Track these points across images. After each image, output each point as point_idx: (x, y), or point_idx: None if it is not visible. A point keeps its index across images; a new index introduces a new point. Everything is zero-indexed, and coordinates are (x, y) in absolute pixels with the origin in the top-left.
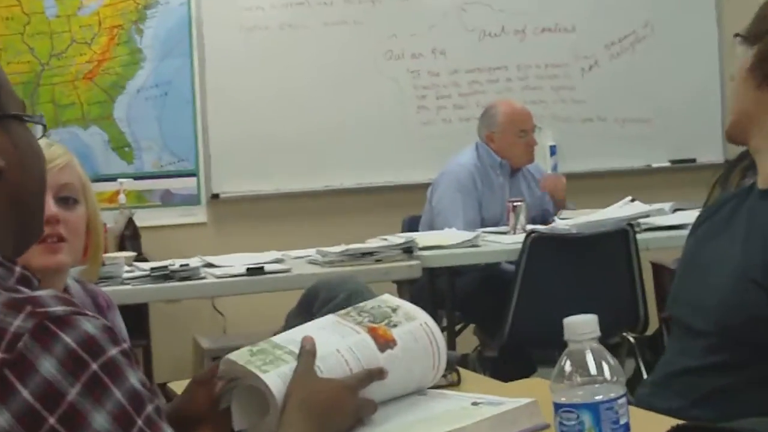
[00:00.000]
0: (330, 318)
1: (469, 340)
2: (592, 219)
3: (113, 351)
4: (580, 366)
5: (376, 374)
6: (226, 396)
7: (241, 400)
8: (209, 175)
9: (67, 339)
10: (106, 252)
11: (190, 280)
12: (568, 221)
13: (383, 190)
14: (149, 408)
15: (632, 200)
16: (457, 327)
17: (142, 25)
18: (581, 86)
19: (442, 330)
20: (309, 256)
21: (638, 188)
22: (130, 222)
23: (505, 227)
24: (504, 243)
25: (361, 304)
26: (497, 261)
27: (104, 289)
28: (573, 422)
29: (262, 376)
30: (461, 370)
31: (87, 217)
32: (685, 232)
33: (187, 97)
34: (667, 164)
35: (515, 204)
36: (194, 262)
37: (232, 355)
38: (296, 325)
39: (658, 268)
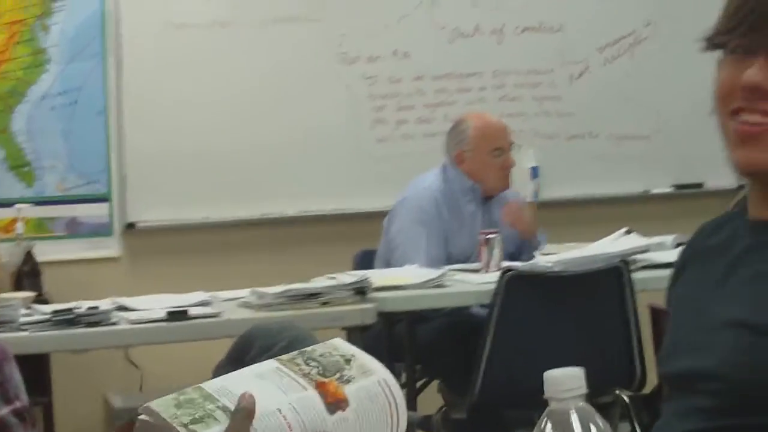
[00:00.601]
0: (270, 364)
1: (432, 399)
2: (579, 255)
3: (3, 411)
4: (564, 429)
5: None
6: None
7: None
8: (124, 200)
9: None
10: None
11: (100, 325)
12: (551, 257)
13: (331, 219)
14: None
15: (628, 232)
16: (419, 383)
17: (48, 21)
18: (569, 96)
19: (402, 387)
20: (242, 298)
21: (635, 218)
22: (29, 256)
23: (477, 264)
24: (475, 283)
25: (308, 349)
26: (467, 304)
27: None
28: None
29: None
30: None
31: None
32: None
33: (99, 107)
34: (670, 190)
35: (488, 237)
36: (105, 304)
37: (155, 404)
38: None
39: (657, 313)
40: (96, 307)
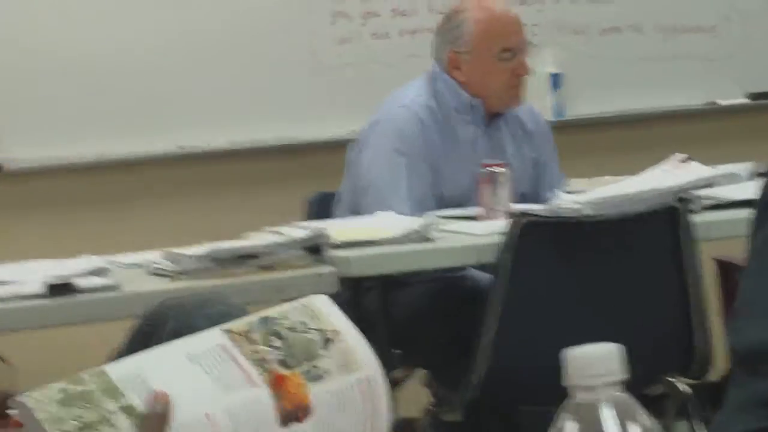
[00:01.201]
0: (212, 338)
1: (415, 395)
2: (618, 192)
3: None
4: (590, 429)
5: None
6: None
7: None
8: None
9: None
10: None
11: None
12: (579, 197)
13: (274, 152)
14: None
15: (686, 160)
16: (396, 374)
17: None
18: None
19: None
20: (150, 263)
21: (695, 141)
22: None
23: (476, 209)
24: (474, 234)
25: (274, 315)
26: (462, 265)
27: None
28: None
29: None
30: None
31: None
32: None
33: None
34: (743, 101)
35: (493, 170)
36: None
37: (30, 398)
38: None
39: (727, 269)
40: None
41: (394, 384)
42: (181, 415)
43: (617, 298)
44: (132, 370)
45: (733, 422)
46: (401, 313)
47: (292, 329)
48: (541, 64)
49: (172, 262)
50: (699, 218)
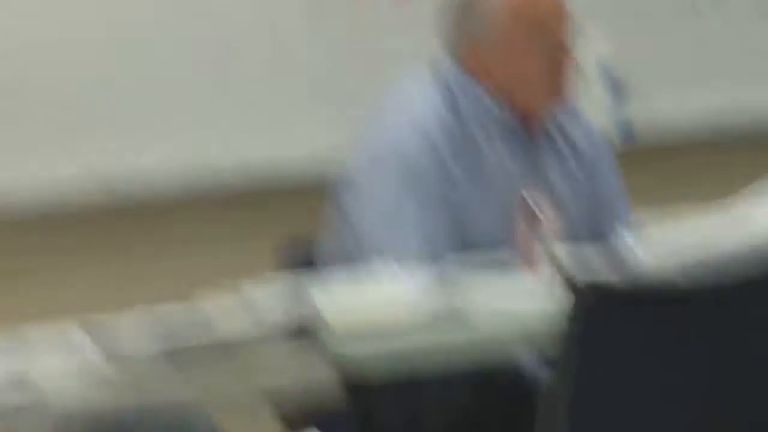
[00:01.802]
0: None
1: None
2: (715, 241)
3: None
4: None
5: None
6: None
7: None
8: None
9: None
10: None
11: None
12: (658, 247)
13: (233, 185)
14: None
15: None
16: None
17: None
18: None
19: None
20: (79, 353)
21: None
22: None
23: (511, 255)
24: (517, 309)
25: None
26: (506, 357)
27: None
28: None
29: None
30: None
31: None
32: None
33: None
34: None
35: (535, 203)
36: None
37: None
38: None
39: None
40: None
41: None
42: None
43: (734, 395)
44: None
45: None
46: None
47: None
48: (592, 52)
49: (107, 358)
50: None
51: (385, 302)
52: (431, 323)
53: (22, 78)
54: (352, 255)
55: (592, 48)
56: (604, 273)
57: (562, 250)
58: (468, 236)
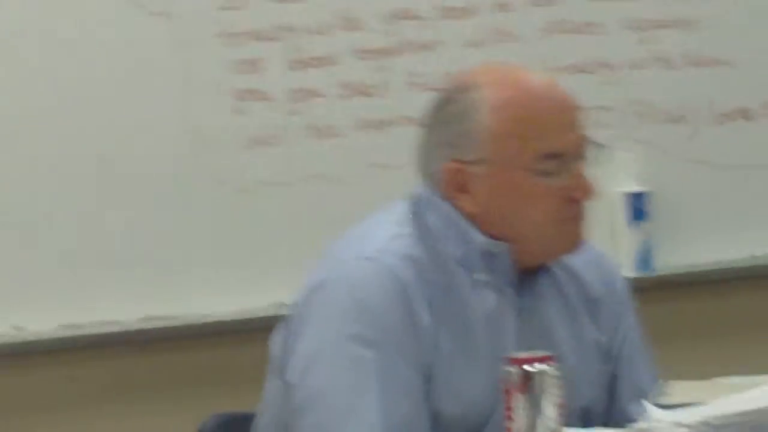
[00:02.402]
0: None
1: None
2: (750, 407)
3: None
4: None
5: None
6: None
7: None
8: None
9: None
10: None
11: None
12: (687, 417)
13: (140, 343)
14: None
15: None
16: None
17: None
18: (715, 18)
19: None
20: None
21: None
22: None
23: None
24: None
25: None
26: None
27: None
28: None
29: None
30: None
31: None
32: None
33: None
34: None
35: (531, 368)
36: None
37: None
38: None
39: None
40: None
41: None
42: None
43: None
44: None
45: None
46: None
47: None
48: (614, 176)
49: None
50: None
51: None
52: None
53: None
54: None
55: (609, 160)
56: None
57: (558, 416)
58: (444, 408)
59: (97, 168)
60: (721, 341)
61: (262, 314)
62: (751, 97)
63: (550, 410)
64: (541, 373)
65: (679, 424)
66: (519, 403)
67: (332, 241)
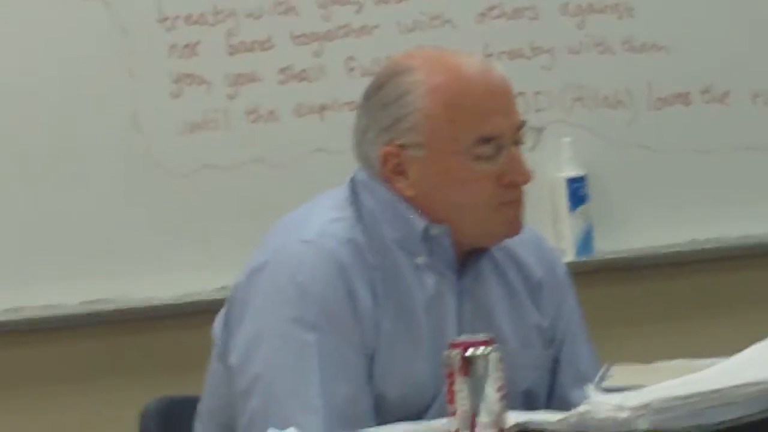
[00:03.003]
0: None
1: None
2: (691, 390)
3: None
4: None
5: None
6: None
7: None
8: None
9: None
10: None
11: None
12: (627, 399)
13: (80, 325)
14: None
15: None
16: None
17: None
18: (648, 5)
19: None
20: None
21: None
22: None
23: (443, 422)
24: None
25: None
26: None
27: None
28: None
29: None
30: None
31: None
32: None
33: None
34: None
35: (472, 352)
36: None
37: None
38: None
39: None
40: None
41: None
42: None
43: None
44: None
45: None
46: None
47: None
48: (552, 160)
49: None
50: None
51: None
52: None
53: None
54: (234, 419)
55: (546, 144)
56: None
57: (508, 415)
58: (387, 390)
59: (36, 153)
60: (663, 325)
61: (204, 297)
62: (690, 83)
63: (492, 393)
64: (483, 356)
65: (621, 408)
66: (461, 386)
67: (272, 225)
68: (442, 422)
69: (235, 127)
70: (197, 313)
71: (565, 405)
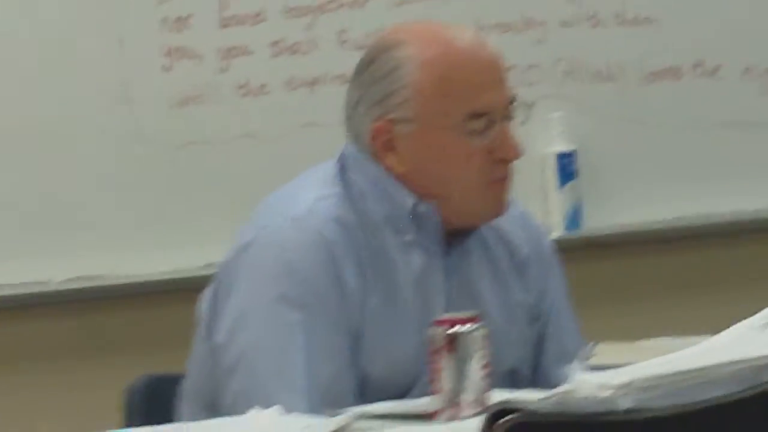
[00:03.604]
0: None
1: None
2: (676, 369)
3: None
4: None
5: None
6: None
7: None
8: None
9: None
10: None
11: None
12: (610, 378)
13: (63, 302)
14: None
15: None
16: None
17: None
18: None
19: None
20: None
21: None
22: None
23: (426, 400)
24: None
25: None
26: None
27: None
28: None
29: None
30: None
31: None
32: None
33: None
34: None
35: (457, 330)
36: None
37: None
38: None
39: None
40: None
41: None
42: None
43: None
44: None
45: None
46: None
47: None
48: (542, 135)
49: None
50: None
51: None
52: None
53: None
54: (218, 397)
55: (536, 117)
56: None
57: (492, 393)
58: (371, 369)
59: (24, 127)
60: (651, 302)
61: (192, 274)
62: (681, 57)
63: (476, 371)
64: (467, 333)
65: (604, 386)
66: (445, 364)
67: (261, 201)
68: (425, 400)
69: (225, 101)
70: (183, 290)
71: (549, 383)
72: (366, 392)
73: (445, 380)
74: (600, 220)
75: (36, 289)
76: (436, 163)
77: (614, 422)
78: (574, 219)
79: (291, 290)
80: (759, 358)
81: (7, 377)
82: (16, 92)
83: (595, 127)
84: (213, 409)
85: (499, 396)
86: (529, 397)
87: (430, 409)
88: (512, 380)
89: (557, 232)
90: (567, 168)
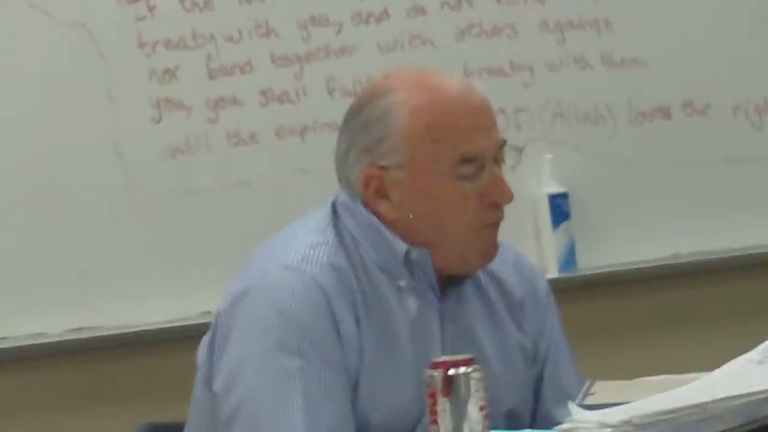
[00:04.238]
0: None
1: None
2: (676, 405)
3: None
4: None
5: None
6: None
7: None
8: None
9: None
10: None
11: None
12: (611, 415)
13: (61, 353)
14: None
15: None
16: None
17: None
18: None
19: None
20: None
21: None
22: None
23: None
24: None
25: None
26: None
27: None
28: None
29: None
30: None
31: None
32: None
33: None
34: None
35: (454, 372)
36: None
37: None
38: None
39: None
40: None
41: None
42: None
43: None
44: None
45: None
46: None
47: None
48: (534, 180)
49: None
50: None
51: None
52: None
53: None
54: None
55: (528, 161)
56: None
57: (482, 419)
58: (371, 416)
59: (16, 179)
60: (646, 340)
61: (188, 322)
62: (670, 97)
63: (474, 413)
64: (465, 375)
65: (603, 424)
66: (443, 406)
67: (255, 249)
68: None
69: (216, 150)
70: (181, 339)
71: (548, 423)
72: None
73: (443, 423)
74: (594, 260)
75: (36, 341)
76: (428, 209)
77: None
78: (568, 259)
79: (287, 337)
80: (758, 392)
81: (9, 429)
82: (11, 148)
83: (586, 168)
84: None
85: None
86: None
87: None
88: (511, 422)
89: (552, 272)
90: (560, 209)
